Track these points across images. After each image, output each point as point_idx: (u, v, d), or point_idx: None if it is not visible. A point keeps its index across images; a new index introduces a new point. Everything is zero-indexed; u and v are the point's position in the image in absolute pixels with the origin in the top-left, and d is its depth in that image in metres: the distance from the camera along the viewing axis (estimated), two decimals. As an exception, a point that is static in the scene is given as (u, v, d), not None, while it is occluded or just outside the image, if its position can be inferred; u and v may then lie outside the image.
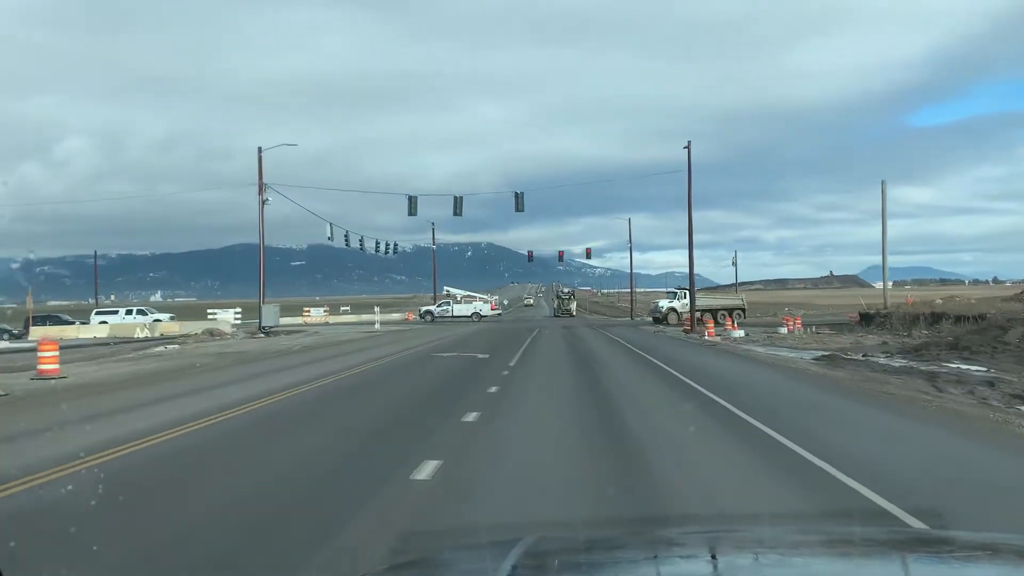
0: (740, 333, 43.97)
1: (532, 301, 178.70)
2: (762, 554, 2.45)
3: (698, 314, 60.31)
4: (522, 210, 48.95)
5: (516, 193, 49.04)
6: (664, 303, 65.78)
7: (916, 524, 5.84)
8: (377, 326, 50.63)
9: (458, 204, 49.25)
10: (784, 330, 53.46)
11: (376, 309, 52.86)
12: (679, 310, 61.66)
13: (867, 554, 2.48)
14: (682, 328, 50.45)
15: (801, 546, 2.64)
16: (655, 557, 2.48)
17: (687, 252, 50.17)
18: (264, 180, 50.43)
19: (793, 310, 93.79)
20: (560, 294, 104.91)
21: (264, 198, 50.23)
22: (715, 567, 2.38)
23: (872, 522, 5.89)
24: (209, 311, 64.45)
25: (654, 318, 65.34)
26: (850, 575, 2.38)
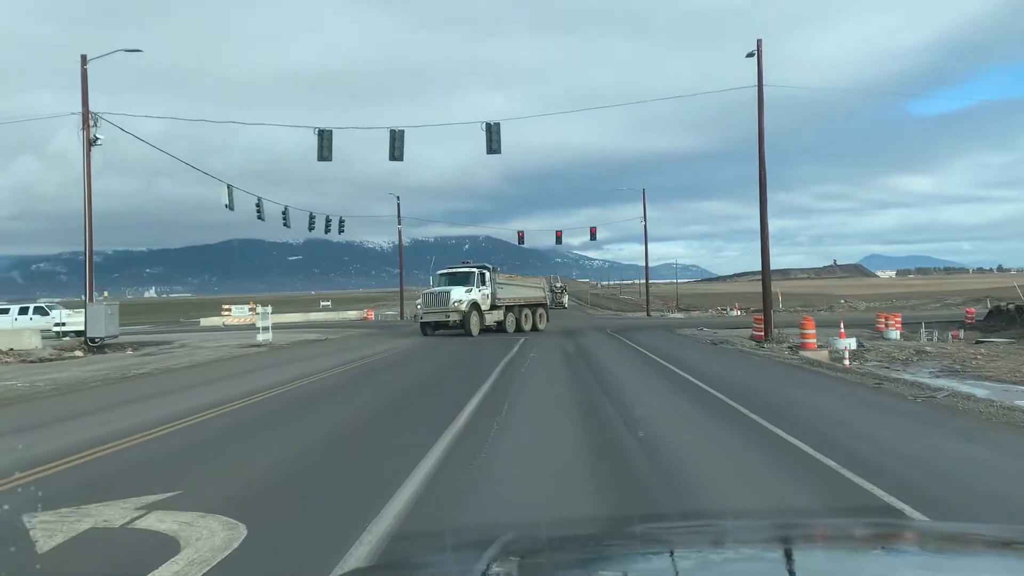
0: (849, 343, 25.98)
1: None
2: (745, 548, 2.37)
3: (499, 316, 37.58)
4: (498, 151, 31.08)
5: (488, 124, 30.88)
6: (458, 292, 35.89)
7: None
8: (264, 337, 31.72)
9: (396, 142, 31.23)
10: (895, 334, 35.98)
11: (262, 311, 33.39)
12: (482, 305, 36.87)
13: (854, 547, 2.38)
14: (750, 336, 31.99)
15: (780, 540, 2.48)
16: (633, 553, 2.35)
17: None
18: (96, 111, 32.32)
19: (851, 303, 75.25)
20: (553, 288, 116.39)
21: (93, 135, 32.08)
22: (695, 562, 2.23)
23: (860, 515, 5.01)
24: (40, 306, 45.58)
25: (427, 324, 36.37)
26: (836, 568, 2.19)
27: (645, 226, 67.81)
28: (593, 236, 63.94)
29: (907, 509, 6.11)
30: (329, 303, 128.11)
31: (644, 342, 29.11)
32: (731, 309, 67.85)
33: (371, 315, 69.06)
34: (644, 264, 74.55)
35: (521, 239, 64.15)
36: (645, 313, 70.45)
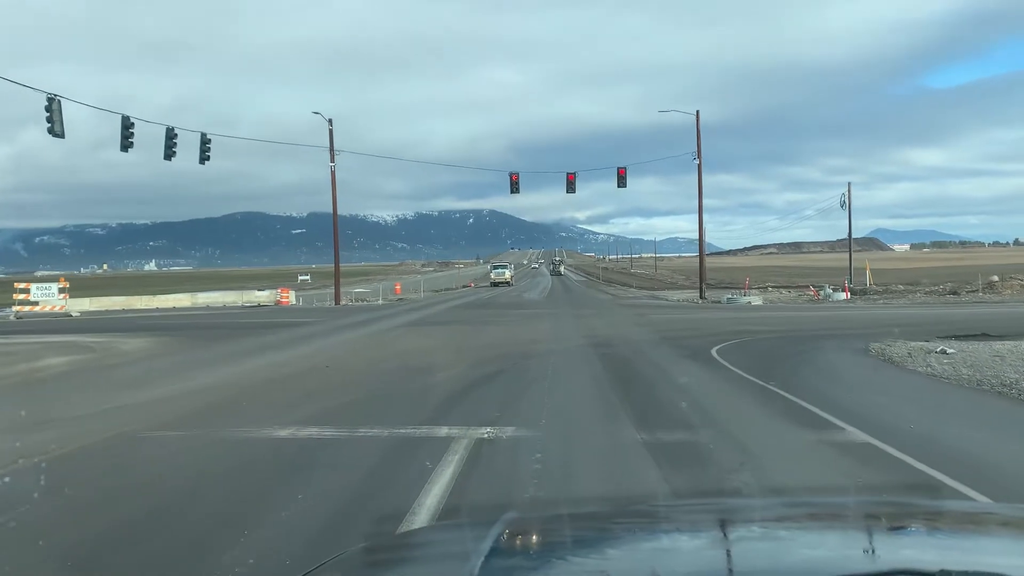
0: None
1: (508, 274, 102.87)
2: (754, 525, 2.31)
3: None
4: None
5: None
6: None
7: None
8: None
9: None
10: None
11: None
12: None
13: (868, 527, 2.25)
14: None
15: (789, 519, 2.41)
16: (640, 530, 2.32)
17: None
18: None
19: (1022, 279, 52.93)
20: (554, 261, 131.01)
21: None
22: (706, 539, 2.21)
23: (880, 494, 4.88)
24: None
25: None
26: (844, 547, 2.11)
27: (699, 165, 45.76)
28: (622, 181, 42.42)
29: None
30: (308, 277, 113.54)
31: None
32: (834, 289, 45.62)
33: (287, 298, 47.10)
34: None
35: (515, 185, 42.78)
36: (698, 295, 48.26)
